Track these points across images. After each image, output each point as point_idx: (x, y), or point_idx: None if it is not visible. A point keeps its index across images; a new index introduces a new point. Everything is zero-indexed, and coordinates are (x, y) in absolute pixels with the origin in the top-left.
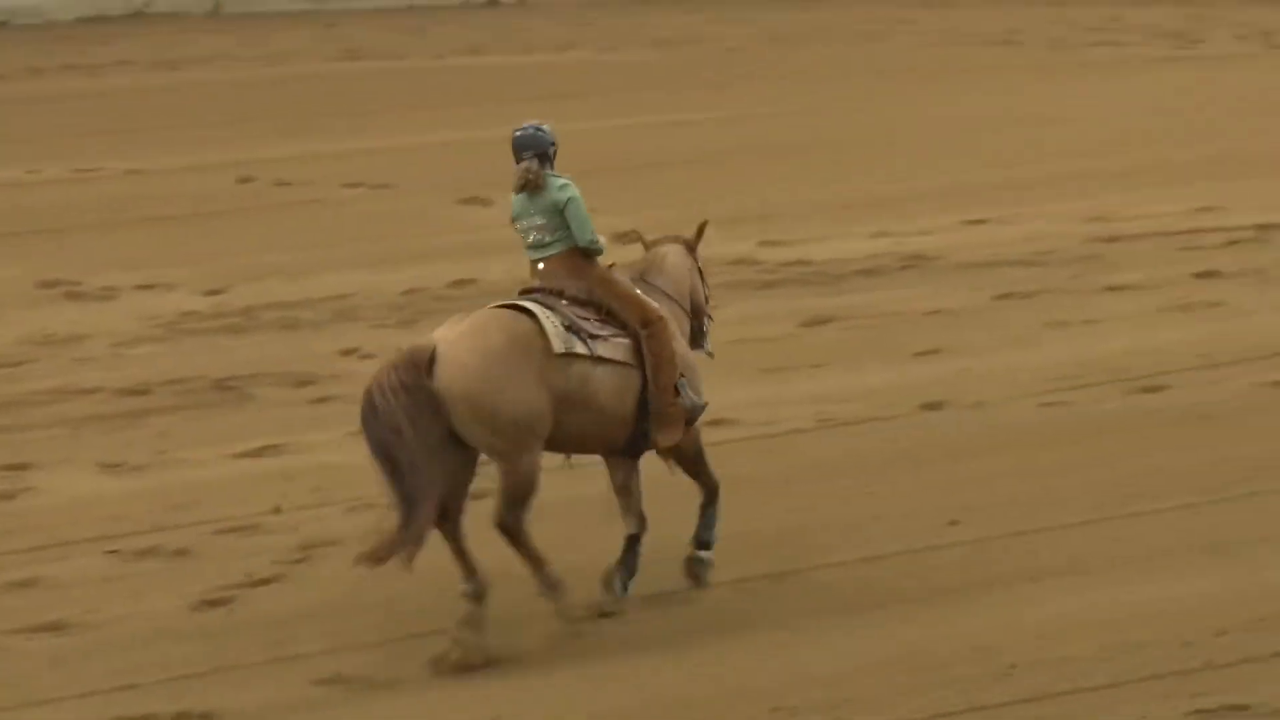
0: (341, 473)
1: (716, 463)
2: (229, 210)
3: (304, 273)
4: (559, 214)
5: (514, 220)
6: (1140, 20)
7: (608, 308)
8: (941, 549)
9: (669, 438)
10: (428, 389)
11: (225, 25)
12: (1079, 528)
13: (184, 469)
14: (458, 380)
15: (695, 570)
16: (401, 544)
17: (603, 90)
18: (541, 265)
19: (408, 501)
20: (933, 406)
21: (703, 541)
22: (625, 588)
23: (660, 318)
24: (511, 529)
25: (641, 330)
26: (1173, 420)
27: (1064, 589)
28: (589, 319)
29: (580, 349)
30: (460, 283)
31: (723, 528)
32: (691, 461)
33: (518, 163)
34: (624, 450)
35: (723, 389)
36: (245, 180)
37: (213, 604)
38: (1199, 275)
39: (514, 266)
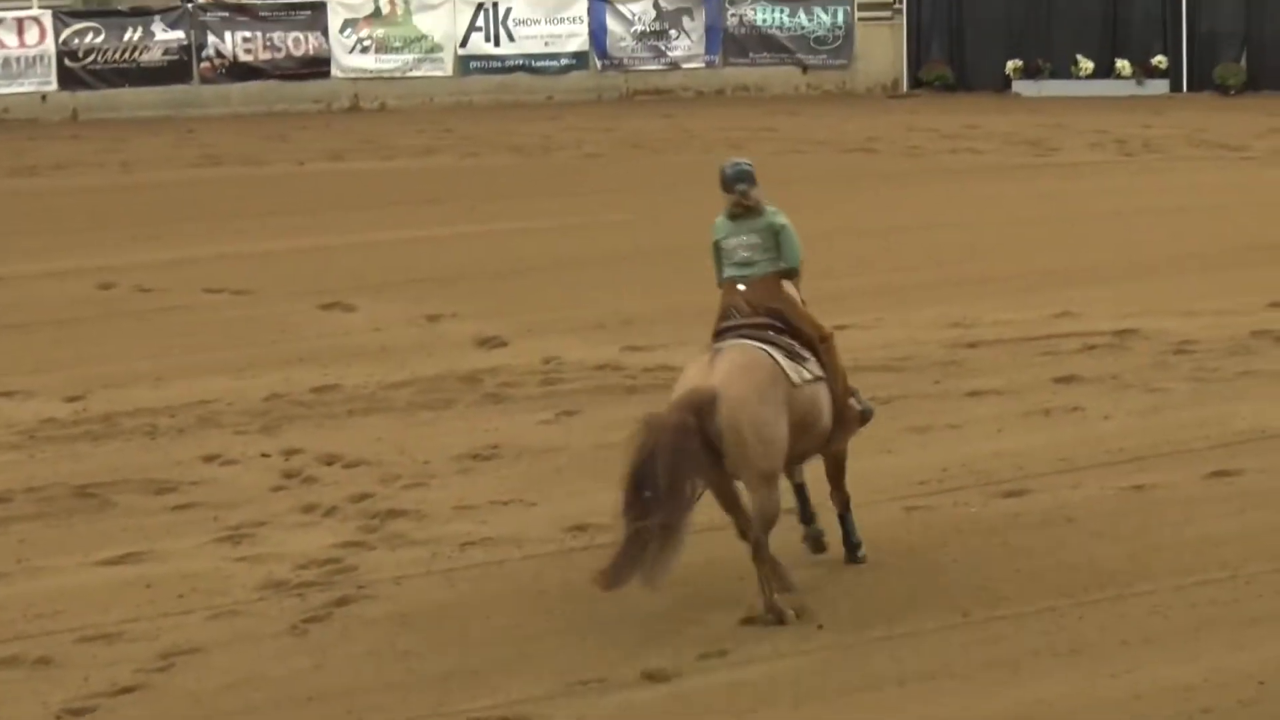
0: (203, 579)
1: (578, 567)
2: (90, 317)
3: (165, 379)
4: (772, 236)
5: (720, 241)
6: (997, 128)
7: (794, 327)
8: (807, 653)
9: (844, 440)
10: (708, 429)
11: (83, 131)
12: (942, 631)
13: (45, 576)
14: (742, 416)
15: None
16: (653, 570)
17: (461, 196)
18: (742, 286)
19: (667, 530)
20: (792, 510)
21: (854, 544)
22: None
23: (831, 332)
24: (763, 546)
25: (820, 344)
26: (1035, 524)
27: (928, 693)
28: (793, 344)
29: (807, 376)
30: (322, 389)
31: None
32: (840, 467)
33: (729, 192)
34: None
35: (588, 495)
36: (106, 286)
37: (75, 713)
38: (1058, 380)
39: (375, 372)
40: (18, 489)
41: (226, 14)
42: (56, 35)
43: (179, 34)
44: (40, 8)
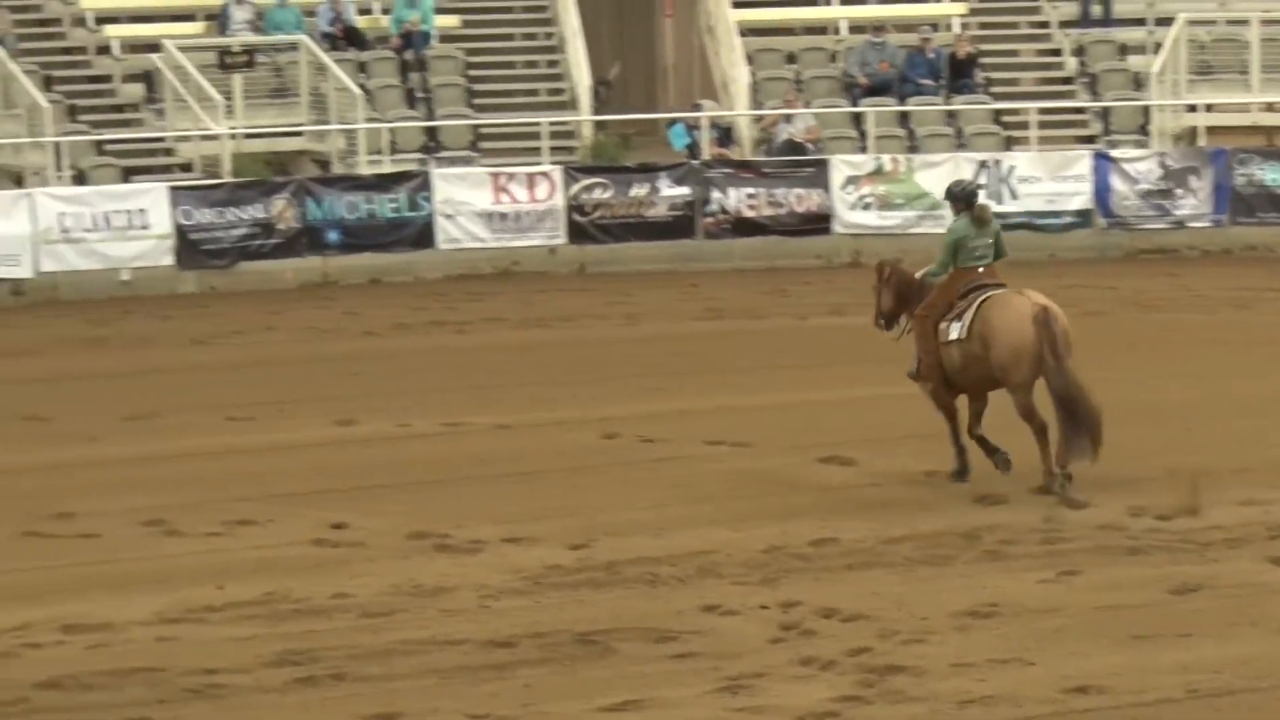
0: None
1: None
2: (593, 466)
3: (666, 528)
4: (996, 236)
5: (961, 240)
6: None
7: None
8: None
9: None
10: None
11: (590, 284)
12: None
13: None
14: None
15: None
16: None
17: None
18: (981, 269)
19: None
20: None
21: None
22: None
23: None
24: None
25: None
26: None
27: None
28: None
29: None
30: (820, 541)
31: None
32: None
33: (965, 204)
34: None
35: (1090, 656)
36: (610, 436)
37: None
38: None
39: (874, 526)
40: (523, 634)
41: (730, 171)
42: (566, 190)
43: (684, 190)
44: (551, 163)
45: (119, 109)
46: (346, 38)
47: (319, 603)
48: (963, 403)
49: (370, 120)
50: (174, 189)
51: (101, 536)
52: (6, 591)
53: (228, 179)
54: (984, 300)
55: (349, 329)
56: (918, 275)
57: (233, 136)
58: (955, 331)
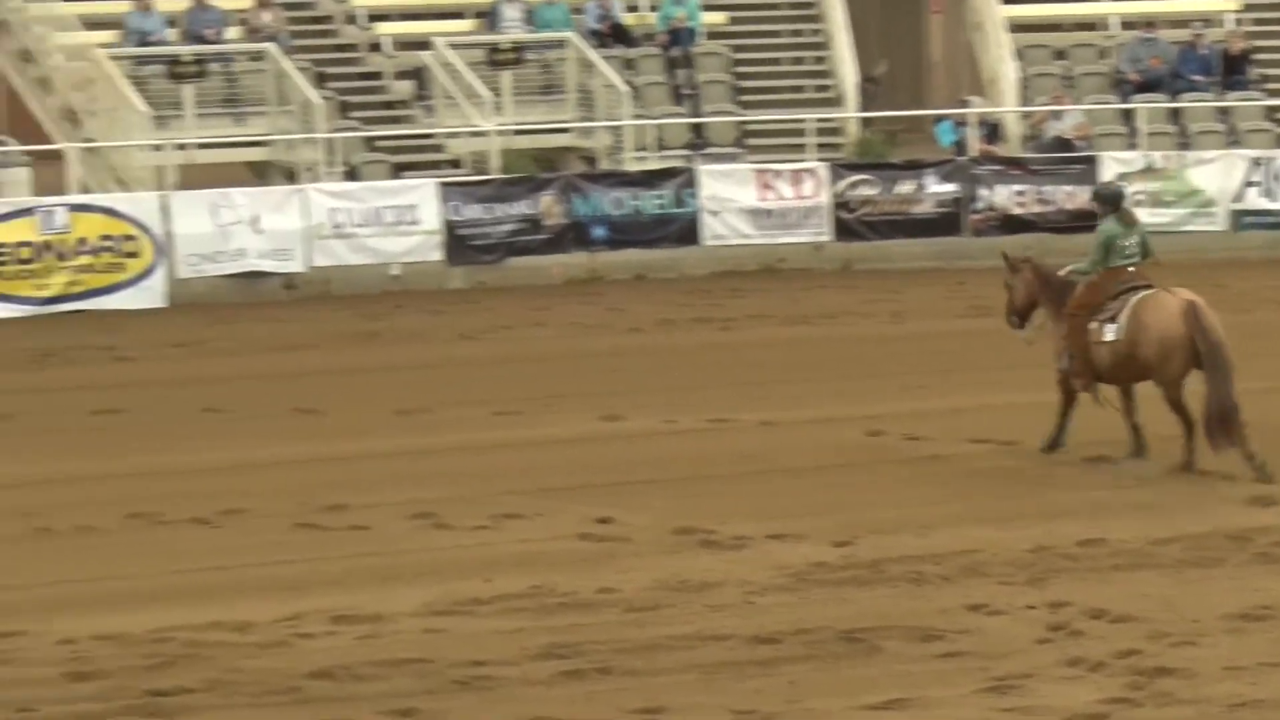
0: None
1: None
2: (858, 463)
3: (931, 527)
4: (1143, 236)
5: (1113, 240)
6: None
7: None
8: None
9: None
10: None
11: (855, 281)
12: None
13: (814, 719)
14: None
15: None
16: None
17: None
18: (1132, 269)
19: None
20: None
21: None
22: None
23: None
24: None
25: None
26: None
27: None
28: None
29: None
30: (1088, 542)
31: None
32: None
33: (1117, 207)
34: None
35: None
36: (874, 434)
37: None
38: None
39: (1143, 527)
40: (788, 631)
41: (999, 168)
42: (831, 187)
43: (951, 187)
44: (817, 160)
45: (389, 106)
46: (614, 35)
47: (585, 597)
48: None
49: (637, 117)
50: (443, 185)
51: (372, 529)
52: (279, 582)
53: (496, 175)
54: (1136, 301)
55: (614, 325)
56: (1062, 272)
57: (501, 133)
58: (1110, 334)
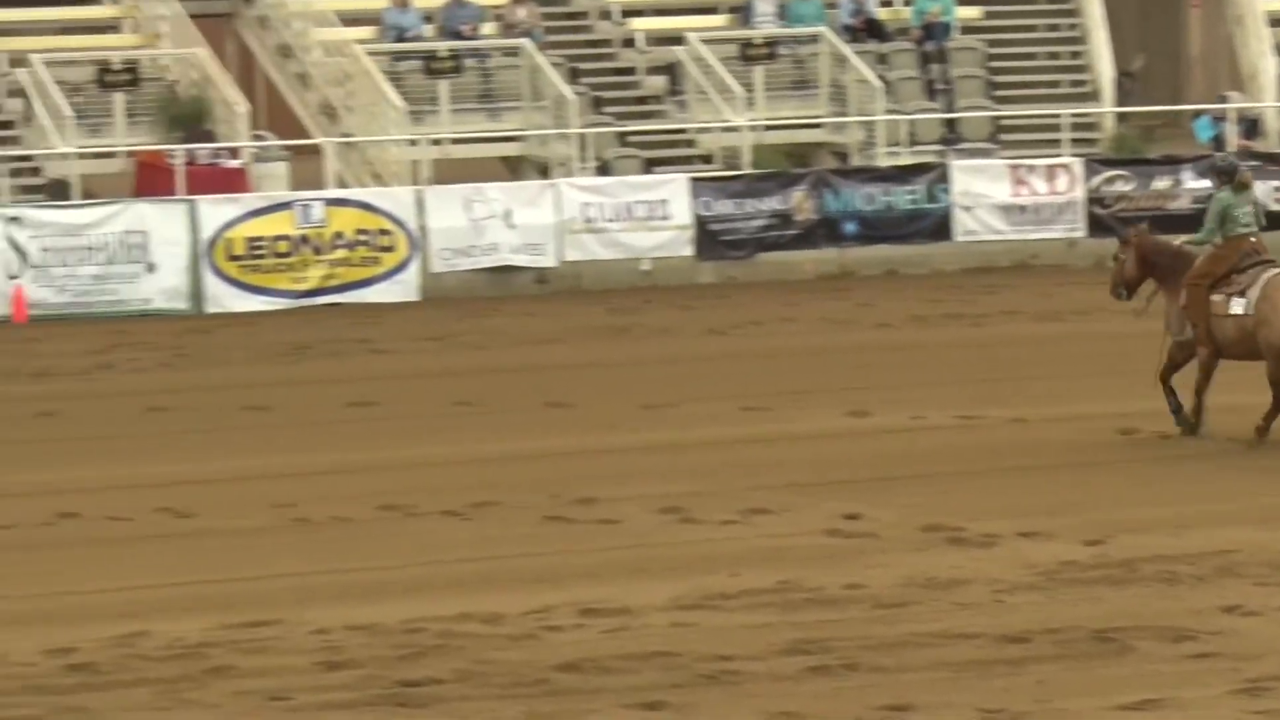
0: None
1: None
2: (1110, 461)
3: (1186, 527)
4: (1255, 203)
5: (1227, 209)
6: None
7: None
8: None
9: None
10: None
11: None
12: None
13: (1065, 719)
14: None
15: None
16: None
17: None
18: (1254, 238)
19: None
20: None
21: None
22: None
23: None
24: None
25: None
26: None
27: None
28: None
29: None
30: None
31: None
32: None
33: (1232, 179)
34: None
35: None
36: (1127, 432)
37: None
38: None
39: None
40: (1037, 630)
41: (1257, 163)
42: (1086, 182)
43: (1208, 183)
44: (1071, 155)
45: (642, 101)
46: (867, 30)
47: (832, 593)
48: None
49: (889, 112)
50: (694, 180)
51: (620, 522)
52: (528, 574)
53: (747, 170)
54: (1269, 279)
55: (864, 320)
56: (1179, 241)
57: (753, 128)
58: (1238, 307)
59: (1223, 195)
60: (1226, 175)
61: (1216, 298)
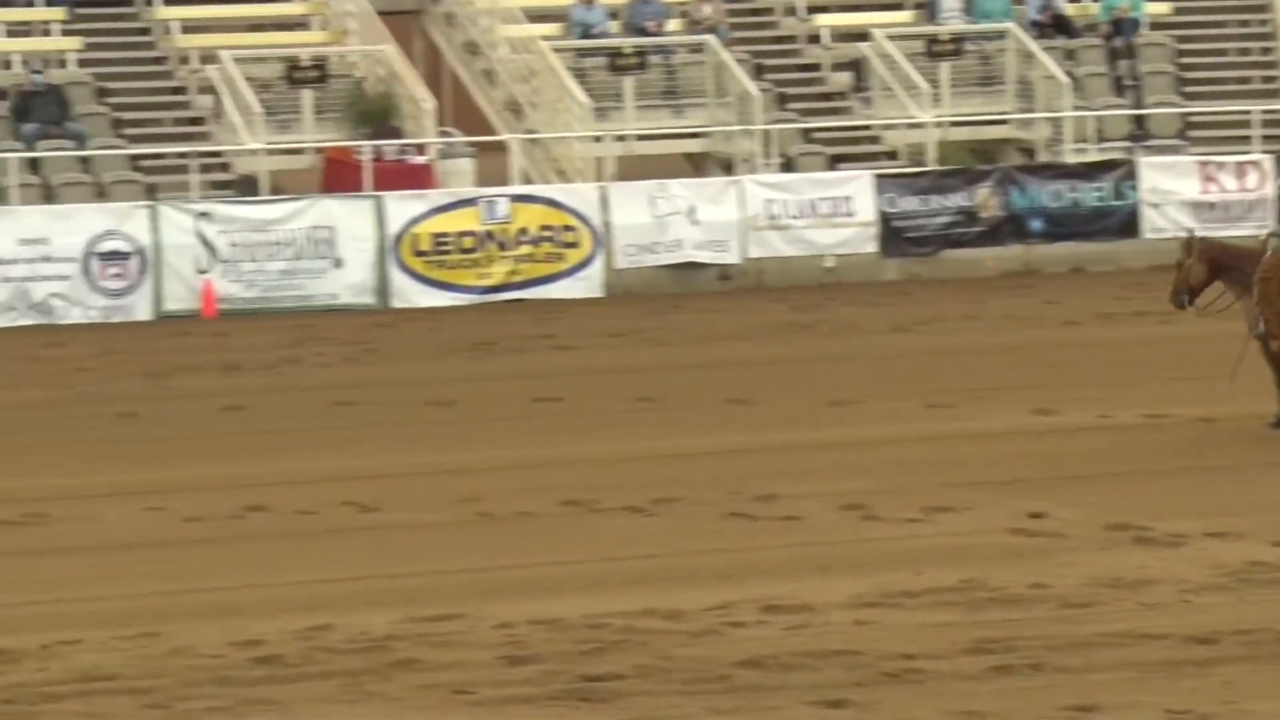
0: None
1: None
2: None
3: None
4: None
5: None
6: None
7: None
8: None
9: None
10: None
11: None
12: None
13: None
14: None
15: None
16: None
17: None
18: None
19: None
20: None
21: None
22: None
23: None
24: None
25: None
26: None
27: None
28: None
29: None
30: None
31: None
32: None
33: None
34: None
35: None
36: None
37: None
38: None
39: None
40: (1225, 630)
41: None
42: (1277, 180)
43: None
44: (1262, 152)
45: (827, 97)
46: (1055, 25)
47: (1016, 592)
48: None
49: (1077, 108)
50: (879, 176)
51: (803, 519)
52: (710, 570)
53: (932, 167)
54: None
55: (1049, 318)
56: (1263, 234)
57: (938, 124)
58: None
59: None
60: None
61: None
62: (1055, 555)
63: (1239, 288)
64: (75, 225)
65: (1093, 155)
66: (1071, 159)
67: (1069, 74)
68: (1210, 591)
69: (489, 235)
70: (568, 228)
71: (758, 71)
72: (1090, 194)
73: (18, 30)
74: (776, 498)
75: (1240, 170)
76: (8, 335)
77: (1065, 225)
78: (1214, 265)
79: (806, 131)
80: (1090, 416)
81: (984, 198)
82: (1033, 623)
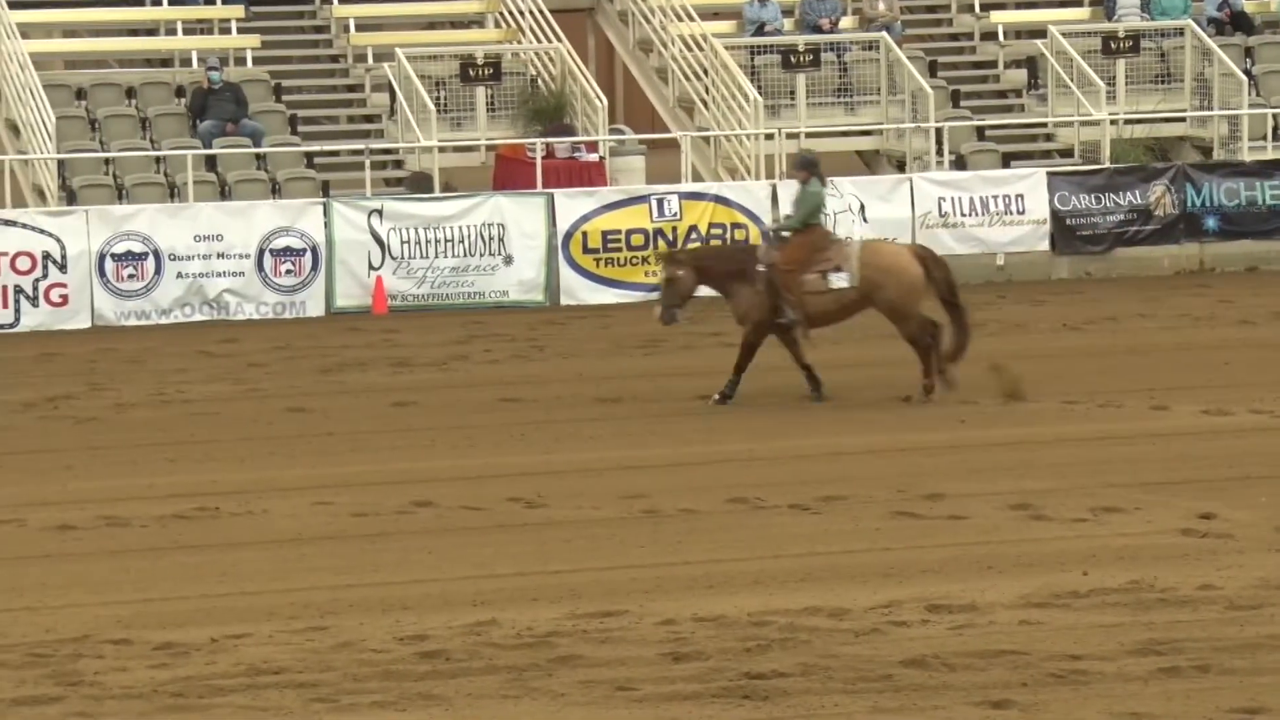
0: None
1: None
2: None
3: None
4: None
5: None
6: None
7: None
8: None
9: None
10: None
11: None
12: None
13: None
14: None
15: None
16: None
17: None
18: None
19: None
20: None
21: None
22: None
23: None
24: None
25: None
26: None
27: None
28: None
29: None
30: None
31: None
32: None
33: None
34: None
35: None
36: None
37: None
38: None
39: None
40: None
41: None
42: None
43: None
44: None
45: (1001, 95)
46: (1234, 22)
47: (1185, 593)
48: None
49: (1254, 106)
50: (1052, 174)
51: (969, 518)
52: (875, 569)
53: (1106, 165)
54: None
55: (1224, 317)
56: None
57: (1114, 122)
58: (841, 281)
59: (815, 188)
60: (814, 168)
61: (810, 277)
62: (1225, 556)
63: (732, 285)
64: (250, 222)
65: (1270, 153)
66: (1248, 157)
67: (1246, 71)
68: None
69: (659, 233)
70: (737, 225)
71: (931, 69)
72: (1267, 192)
73: (196, 28)
74: (943, 496)
75: None
76: (182, 330)
77: (1241, 224)
78: (702, 271)
79: (979, 129)
80: (1265, 417)
81: (1159, 196)
82: (1200, 624)
